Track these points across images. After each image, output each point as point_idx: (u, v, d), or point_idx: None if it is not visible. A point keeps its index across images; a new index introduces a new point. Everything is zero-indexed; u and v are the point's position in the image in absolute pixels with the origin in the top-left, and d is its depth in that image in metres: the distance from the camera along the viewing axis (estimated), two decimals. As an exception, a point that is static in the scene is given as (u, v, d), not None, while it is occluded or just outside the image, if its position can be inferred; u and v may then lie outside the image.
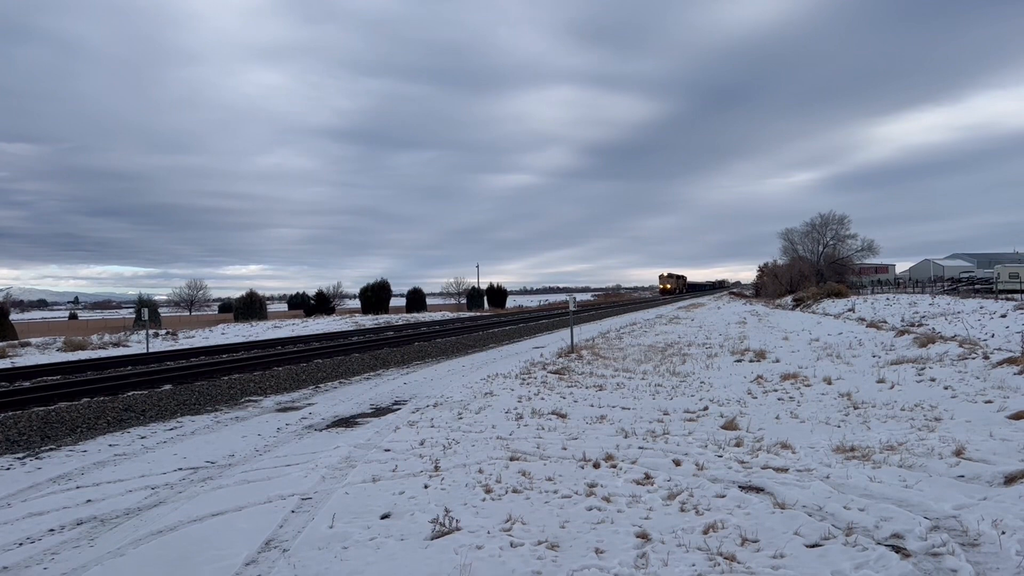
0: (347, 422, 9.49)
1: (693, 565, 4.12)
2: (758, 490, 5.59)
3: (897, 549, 4.25)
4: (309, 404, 11.34)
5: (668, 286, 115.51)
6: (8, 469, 7.25)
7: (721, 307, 52.32)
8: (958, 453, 6.37)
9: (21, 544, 4.90)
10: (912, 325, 21.00)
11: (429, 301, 71.38)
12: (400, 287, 67.93)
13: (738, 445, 7.19)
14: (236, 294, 63.45)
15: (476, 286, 77.81)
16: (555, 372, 13.51)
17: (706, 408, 9.54)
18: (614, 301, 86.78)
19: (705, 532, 4.66)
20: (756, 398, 10.45)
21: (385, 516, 5.17)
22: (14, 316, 44.19)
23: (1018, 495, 5.14)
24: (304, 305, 67.59)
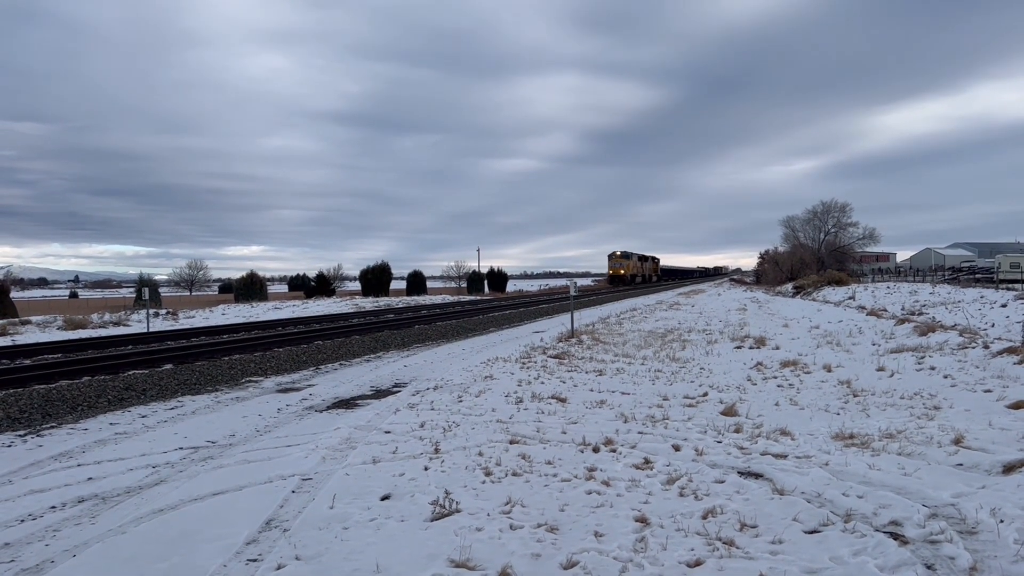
0: (348, 403, 9.52)
1: (692, 549, 4.14)
2: (757, 476, 5.60)
3: (895, 536, 4.27)
4: (310, 385, 11.36)
5: (621, 272, 78.22)
6: (10, 446, 7.28)
7: (721, 294, 52.30)
8: (957, 442, 6.38)
9: (23, 521, 4.93)
10: (912, 314, 20.99)
11: (429, 284, 71.26)
12: (401, 270, 67.82)
13: (737, 431, 7.20)
14: (237, 275, 63.53)
15: (477, 270, 77.72)
16: (555, 356, 13.52)
17: (706, 394, 9.55)
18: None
19: (704, 517, 4.68)
20: (756, 384, 10.45)
21: (385, 497, 5.18)
22: (15, 294, 44.12)
23: (1016, 484, 5.15)
24: (305, 287, 67.49)
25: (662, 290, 64.73)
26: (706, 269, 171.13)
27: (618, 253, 79.52)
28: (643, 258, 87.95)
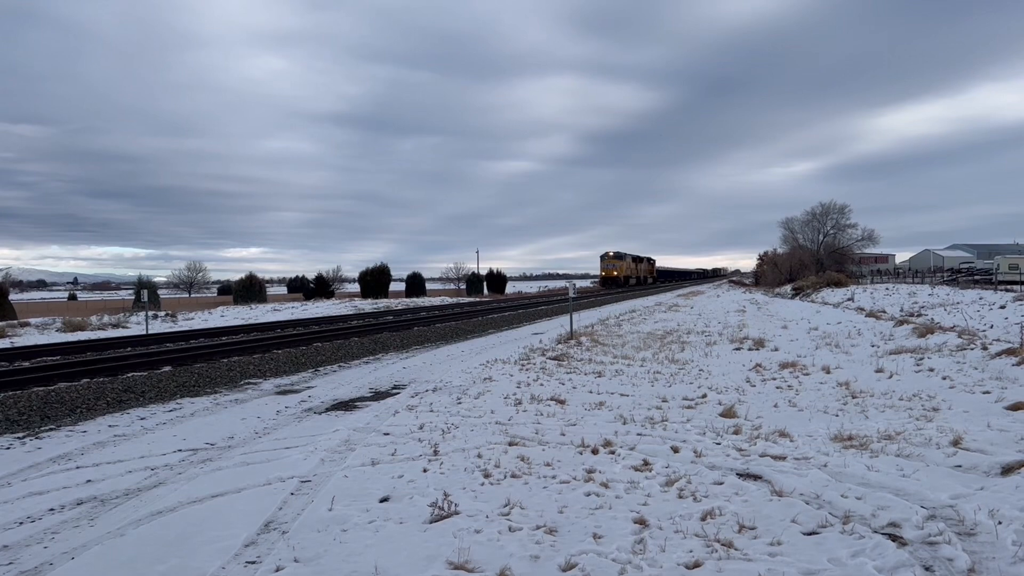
0: (346, 405, 9.51)
1: (690, 551, 4.14)
2: (756, 477, 5.61)
3: (894, 538, 4.27)
4: (308, 387, 11.35)
5: (614, 273, 72.97)
6: (8, 449, 7.27)
7: (720, 295, 52.32)
8: (956, 443, 6.39)
9: (21, 523, 4.92)
10: (911, 315, 21.01)
11: (428, 286, 71.26)
12: (400, 272, 67.79)
13: (736, 433, 7.21)
14: (236, 276, 63.39)
15: (476, 271, 77.75)
16: (554, 358, 13.53)
17: (704, 396, 9.56)
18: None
19: (703, 519, 4.68)
20: (755, 386, 10.46)
21: (384, 499, 5.18)
22: (13, 296, 44.10)
23: (1015, 485, 5.16)
24: (304, 288, 67.48)
25: (659, 292, 64.62)
26: (704, 271, 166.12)
27: (611, 254, 73.85)
28: (637, 259, 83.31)
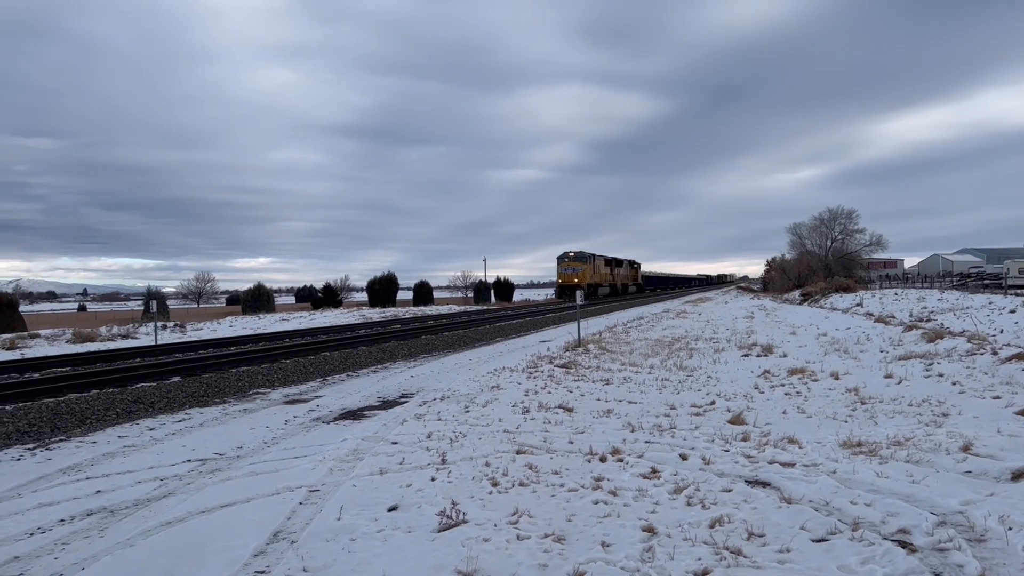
0: (354, 415, 9.53)
1: (699, 559, 4.13)
2: (764, 484, 5.59)
3: (903, 544, 4.25)
4: (317, 397, 11.39)
5: (574, 280, 55.01)
6: (19, 460, 7.32)
7: (728, 302, 52.16)
8: (965, 449, 6.35)
9: (32, 534, 4.95)
10: (920, 320, 20.88)
11: (436, 294, 71.25)
12: (407, 280, 67.79)
13: (745, 440, 7.18)
14: (244, 287, 63.73)
15: (483, 280, 77.70)
16: (562, 366, 13.51)
17: (713, 402, 9.53)
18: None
19: (711, 526, 4.67)
20: (763, 393, 10.42)
21: (392, 508, 5.19)
22: (23, 308, 44.39)
23: (1026, 491, 5.12)
24: (311, 298, 67.72)
25: (666, 299, 64.13)
26: (708, 277, 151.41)
27: (570, 255, 57.76)
28: (613, 262, 67.36)
